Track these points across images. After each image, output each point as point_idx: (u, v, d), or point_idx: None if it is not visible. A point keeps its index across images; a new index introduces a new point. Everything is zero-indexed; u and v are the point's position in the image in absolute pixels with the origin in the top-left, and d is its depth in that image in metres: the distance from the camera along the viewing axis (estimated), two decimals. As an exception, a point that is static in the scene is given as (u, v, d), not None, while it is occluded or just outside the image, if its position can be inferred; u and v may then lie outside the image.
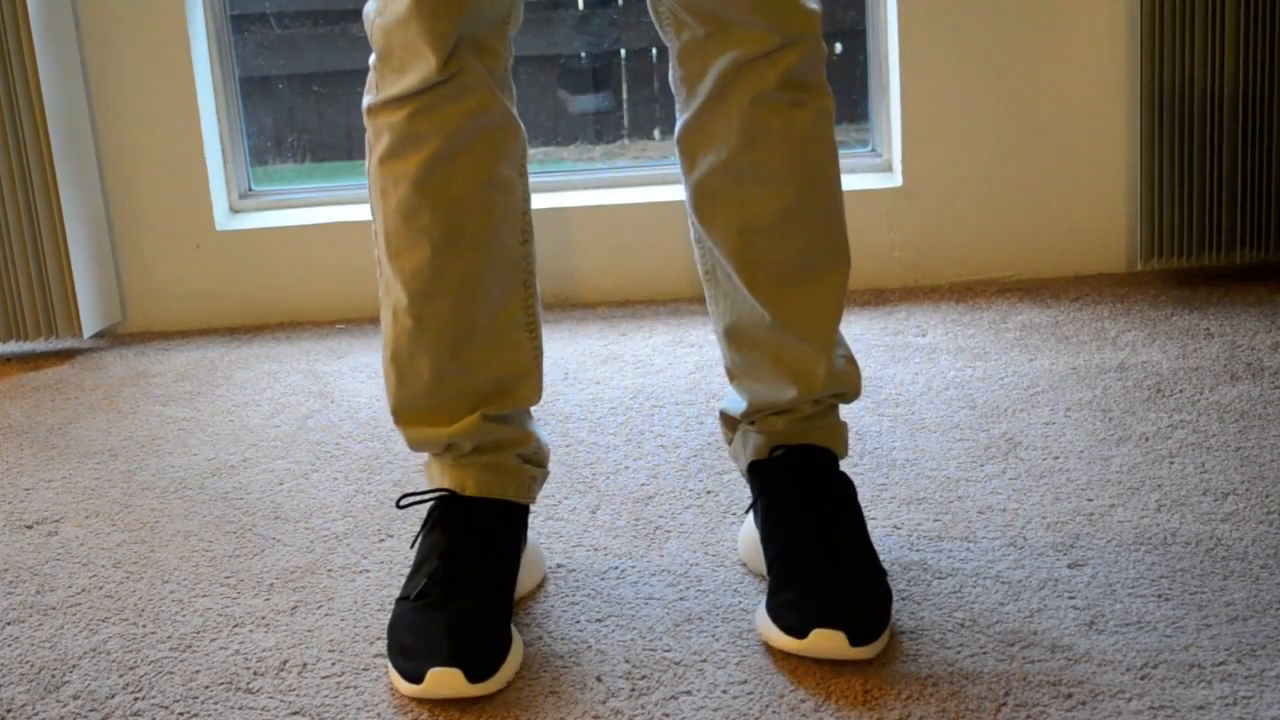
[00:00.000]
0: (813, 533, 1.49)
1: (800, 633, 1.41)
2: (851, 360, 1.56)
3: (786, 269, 1.50)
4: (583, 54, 2.85)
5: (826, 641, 1.40)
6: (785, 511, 1.52)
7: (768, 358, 1.54)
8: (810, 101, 1.47)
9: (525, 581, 1.57)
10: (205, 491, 1.92)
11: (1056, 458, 1.84)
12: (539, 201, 2.62)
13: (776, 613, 1.44)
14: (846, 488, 1.55)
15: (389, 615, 1.55)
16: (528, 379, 1.55)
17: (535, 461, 1.58)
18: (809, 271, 1.51)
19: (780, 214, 1.48)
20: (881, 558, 1.60)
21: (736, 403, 1.59)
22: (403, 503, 1.56)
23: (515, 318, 1.53)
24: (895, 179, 2.55)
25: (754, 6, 1.42)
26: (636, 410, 2.09)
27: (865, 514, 1.71)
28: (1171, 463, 1.81)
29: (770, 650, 1.45)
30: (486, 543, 1.50)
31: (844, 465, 1.83)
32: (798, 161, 1.48)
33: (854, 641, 1.40)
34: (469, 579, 1.47)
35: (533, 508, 1.65)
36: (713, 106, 1.47)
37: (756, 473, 1.57)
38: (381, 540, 1.75)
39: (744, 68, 1.44)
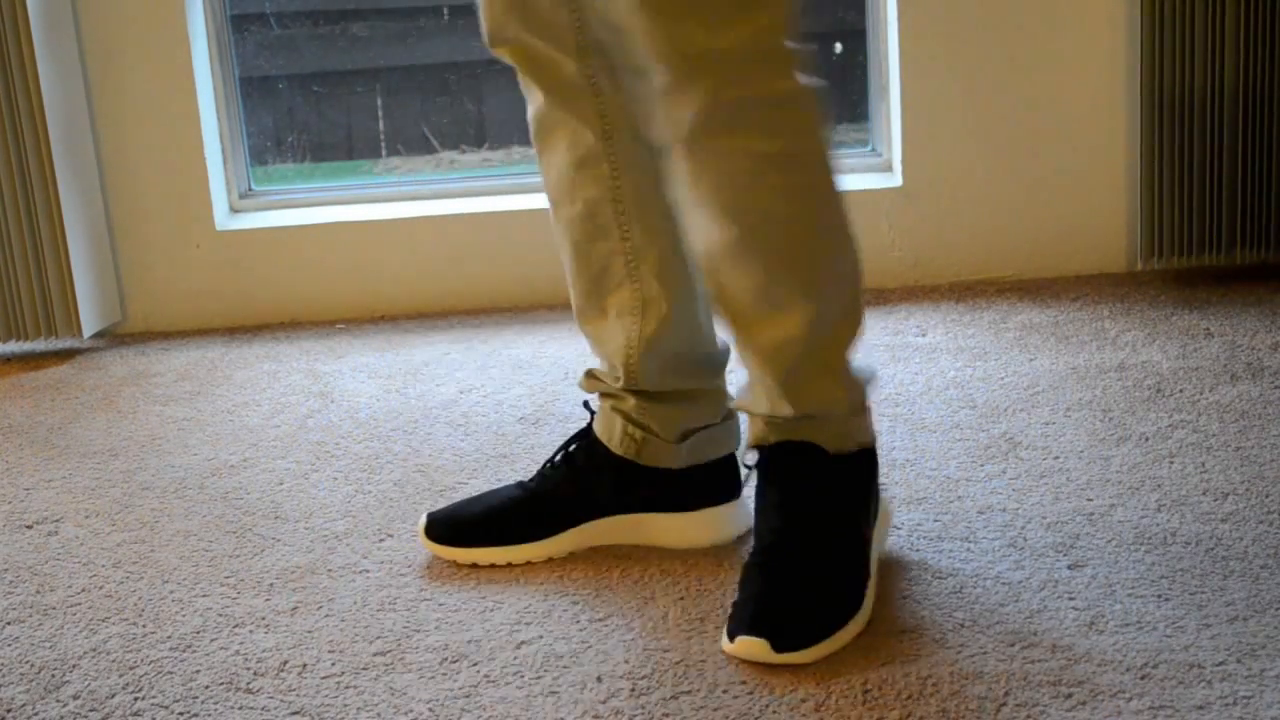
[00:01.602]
0: (772, 535, 1.50)
1: (730, 636, 1.44)
2: (838, 385, 1.52)
3: (743, 299, 1.47)
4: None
5: (751, 648, 1.42)
6: (757, 511, 1.54)
7: (746, 369, 1.56)
8: (746, 148, 1.41)
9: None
10: (205, 491, 1.92)
11: (1056, 458, 1.84)
12: (539, 201, 2.62)
13: (728, 614, 1.48)
14: (835, 483, 1.53)
15: (389, 615, 1.56)
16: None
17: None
18: (765, 306, 1.47)
19: (727, 247, 1.45)
20: (882, 558, 1.60)
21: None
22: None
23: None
24: (895, 179, 2.55)
25: (632, 32, 1.38)
26: (636, 410, 2.09)
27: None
28: (1171, 463, 1.81)
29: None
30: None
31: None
32: (739, 204, 1.43)
33: (777, 648, 1.41)
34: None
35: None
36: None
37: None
38: (381, 540, 1.75)
39: (661, 103, 1.41)
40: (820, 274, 1.48)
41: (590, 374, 1.68)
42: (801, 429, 1.53)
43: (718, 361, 1.66)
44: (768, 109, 1.40)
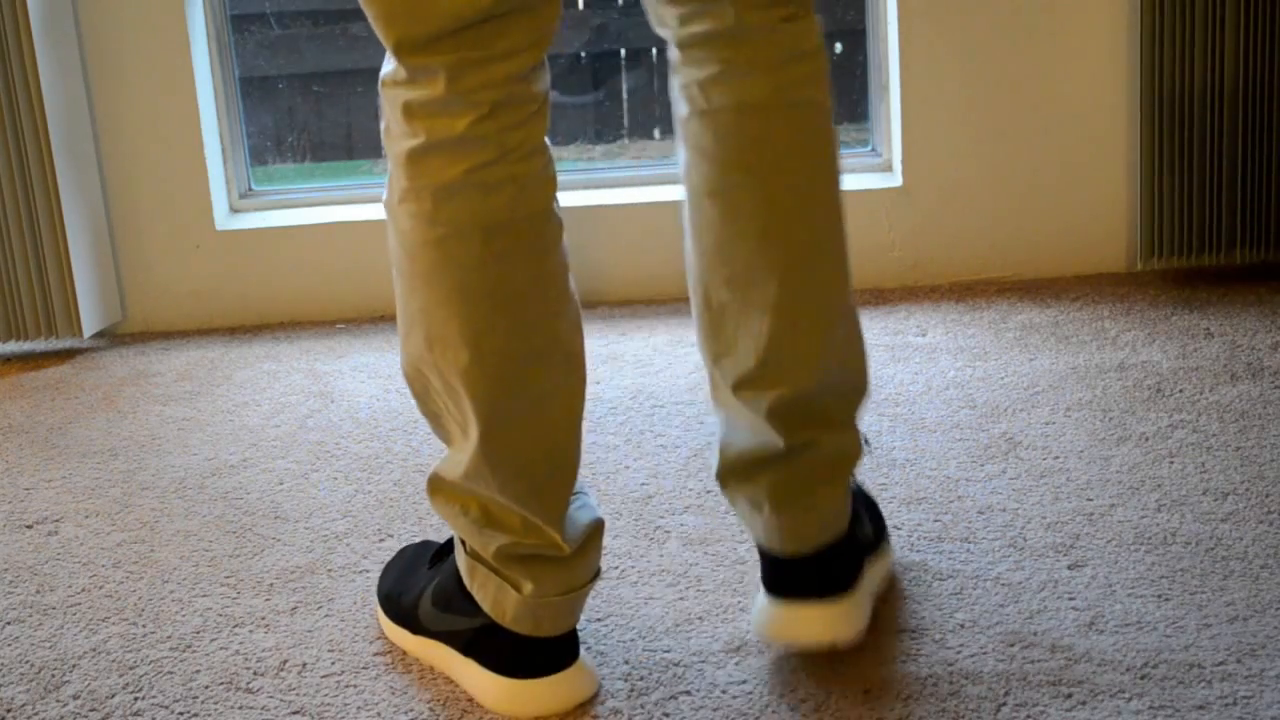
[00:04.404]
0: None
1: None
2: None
3: None
4: (582, 54, 2.85)
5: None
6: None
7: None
8: None
9: None
10: (205, 491, 1.92)
11: (1056, 458, 1.84)
12: (539, 201, 2.62)
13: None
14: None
15: (389, 615, 1.56)
16: None
17: None
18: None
19: None
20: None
21: None
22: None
23: None
24: (895, 179, 2.55)
25: None
26: (636, 410, 2.09)
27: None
28: (1171, 463, 1.81)
29: (770, 650, 1.45)
30: None
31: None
32: None
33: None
34: None
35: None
36: None
37: None
38: (381, 540, 1.75)
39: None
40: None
41: None
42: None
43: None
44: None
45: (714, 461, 1.41)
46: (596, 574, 1.40)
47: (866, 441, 1.50)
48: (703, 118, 1.34)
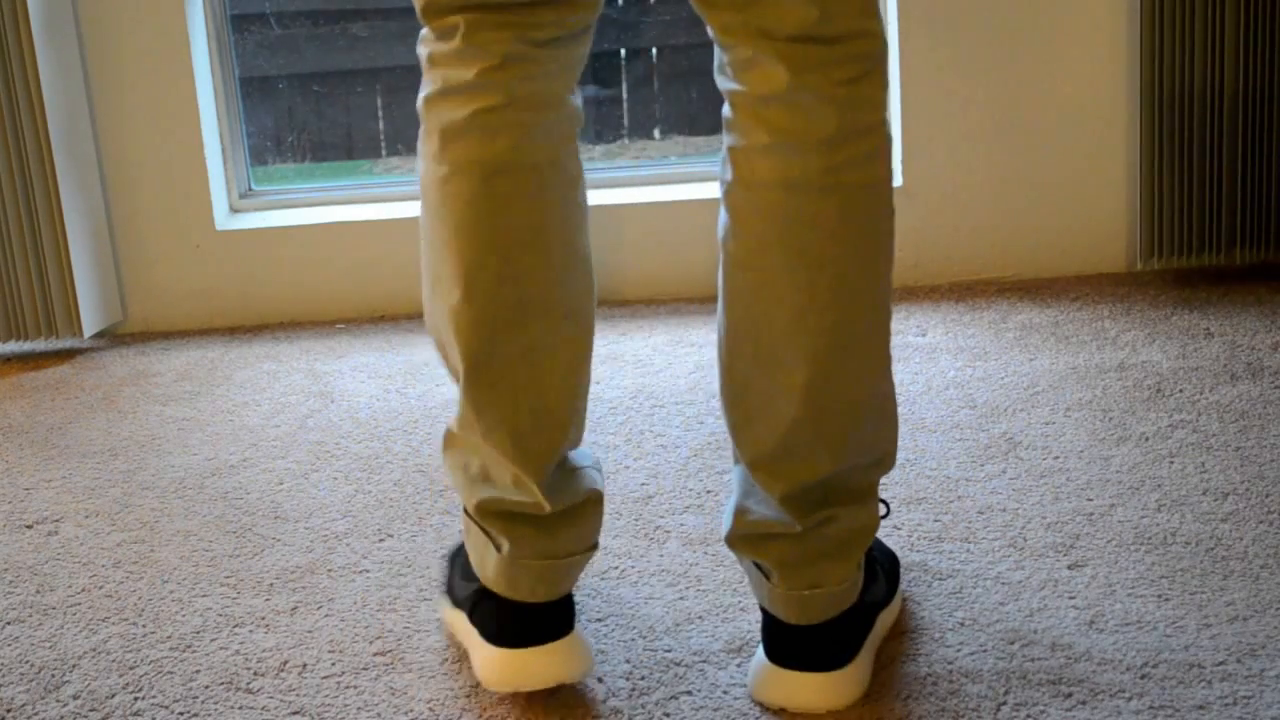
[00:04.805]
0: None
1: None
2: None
3: None
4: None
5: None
6: None
7: None
8: None
9: None
10: (205, 491, 1.92)
11: (1056, 458, 1.84)
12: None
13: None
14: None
15: (389, 615, 1.55)
16: None
17: None
18: None
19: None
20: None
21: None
22: None
23: None
24: (895, 179, 2.55)
25: None
26: (636, 410, 2.09)
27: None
28: (1171, 463, 1.81)
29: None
30: None
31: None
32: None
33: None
34: None
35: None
36: None
37: None
38: (381, 540, 1.75)
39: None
40: None
41: None
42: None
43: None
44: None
45: (726, 522, 1.37)
46: (589, 549, 1.38)
47: (886, 506, 1.49)
48: (747, 191, 1.28)
